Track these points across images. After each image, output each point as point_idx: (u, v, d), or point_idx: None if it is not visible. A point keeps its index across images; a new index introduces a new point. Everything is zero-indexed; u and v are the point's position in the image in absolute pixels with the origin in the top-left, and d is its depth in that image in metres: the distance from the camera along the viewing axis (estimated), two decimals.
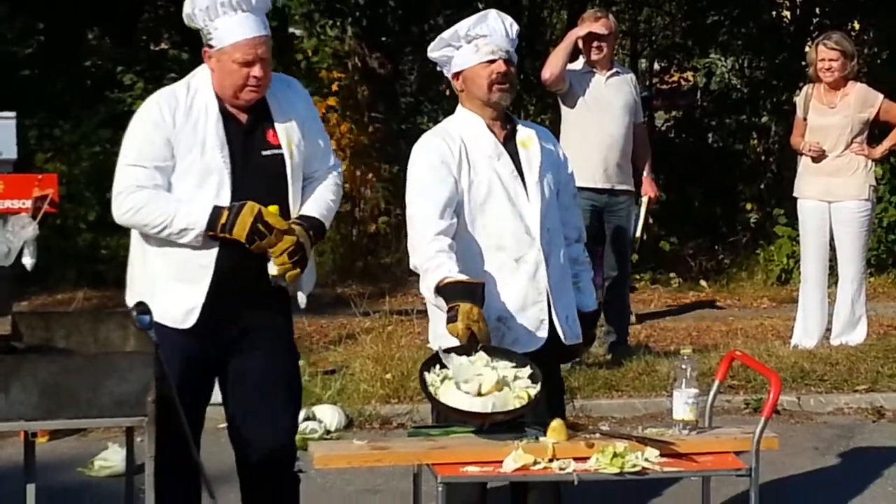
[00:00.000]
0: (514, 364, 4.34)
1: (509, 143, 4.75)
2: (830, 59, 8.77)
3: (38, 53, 14.09)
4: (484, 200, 4.65)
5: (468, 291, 4.32)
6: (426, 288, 4.46)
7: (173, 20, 17.32)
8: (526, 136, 4.78)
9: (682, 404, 4.44)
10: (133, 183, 4.57)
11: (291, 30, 15.86)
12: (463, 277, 4.36)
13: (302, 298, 4.82)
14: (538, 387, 4.28)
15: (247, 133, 4.68)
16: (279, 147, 4.69)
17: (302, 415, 7.07)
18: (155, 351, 4.16)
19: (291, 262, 4.59)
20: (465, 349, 4.30)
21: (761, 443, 4.29)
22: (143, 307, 4.36)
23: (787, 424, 7.65)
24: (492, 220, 4.65)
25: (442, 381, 4.25)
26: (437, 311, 4.54)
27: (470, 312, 4.26)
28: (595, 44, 8.67)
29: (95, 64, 14.78)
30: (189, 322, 4.61)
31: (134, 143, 4.63)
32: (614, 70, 8.80)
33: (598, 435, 4.37)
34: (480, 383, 4.20)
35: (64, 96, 13.84)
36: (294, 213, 4.71)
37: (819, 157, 8.87)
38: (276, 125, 4.71)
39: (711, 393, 4.71)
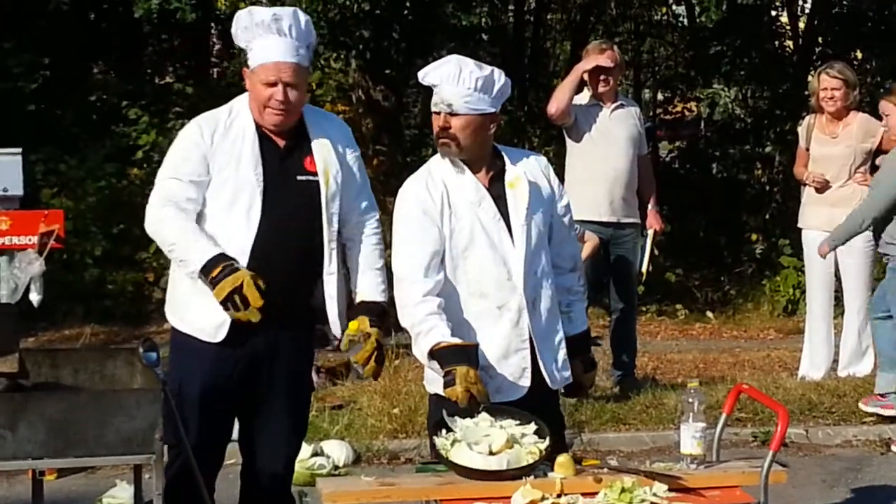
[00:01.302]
0: (518, 422, 4.32)
1: (495, 185, 4.61)
2: (833, 88, 8.75)
3: (43, 88, 14.12)
4: (466, 247, 4.54)
5: (463, 354, 4.30)
6: (419, 352, 4.42)
7: (177, 53, 17.43)
8: (514, 176, 4.61)
9: (690, 438, 4.43)
10: (165, 195, 4.69)
11: None
12: (457, 340, 4.33)
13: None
14: (546, 441, 4.28)
15: (283, 157, 4.78)
16: (315, 174, 4.79)
17: (310, 450, 7.08)
18: (162, 388, 4.17)
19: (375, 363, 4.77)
20: (468, 411, 4.29)
21: (769, 476, 4.28)
22: (149, 344, 4.38)
23: (795, 457, 7.61)
24: (473, 268, 4.55)
25: (452, 443, 4.24)
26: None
27: (467, 375, 4.24)
28: (601, 77, 8.65)
29: (101, 98, 14.81)
30: (220, 336, 4.71)
31: (172, 158, 4.78)
32: (619, 102, 8.77)
33: (605, 470, 4.36)
34: (490, 443, 4.20)
35: (70, 131, 13.87)
36: (327, 241, 4.82)
37: (822, 187, 8.85)
38: (315, 153, 4.80)
39: (719, 426, 4.70)
